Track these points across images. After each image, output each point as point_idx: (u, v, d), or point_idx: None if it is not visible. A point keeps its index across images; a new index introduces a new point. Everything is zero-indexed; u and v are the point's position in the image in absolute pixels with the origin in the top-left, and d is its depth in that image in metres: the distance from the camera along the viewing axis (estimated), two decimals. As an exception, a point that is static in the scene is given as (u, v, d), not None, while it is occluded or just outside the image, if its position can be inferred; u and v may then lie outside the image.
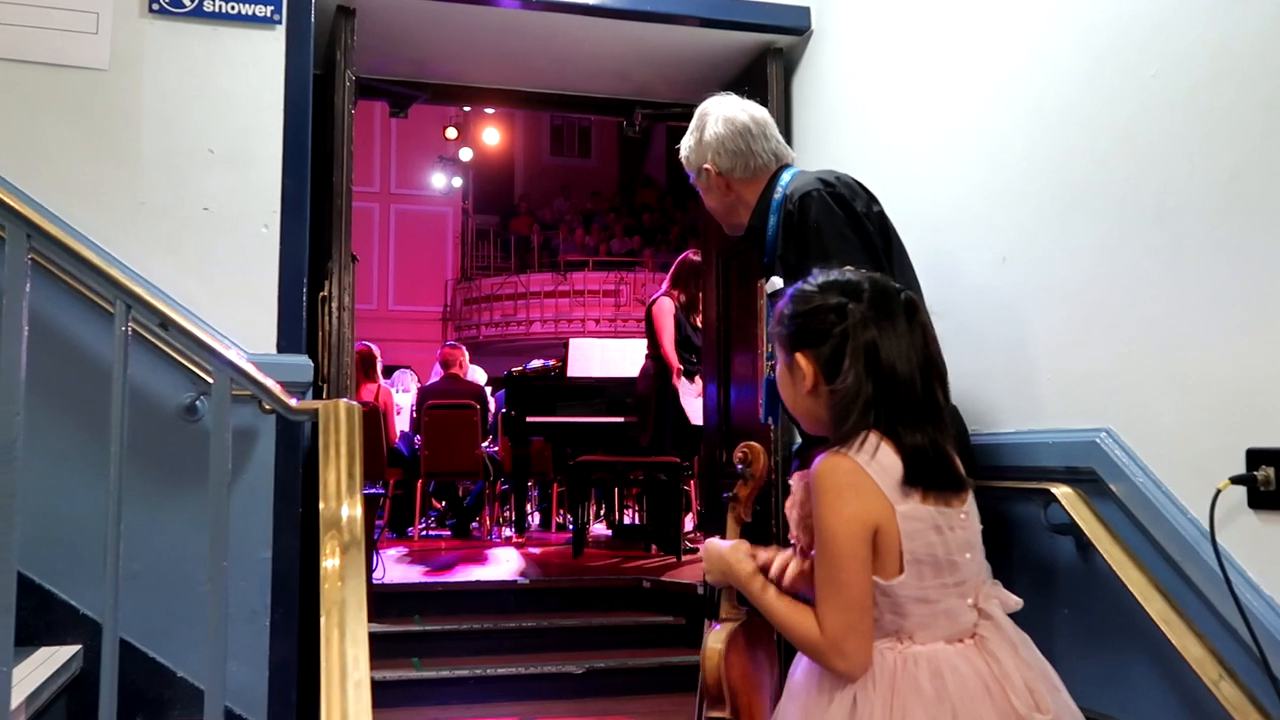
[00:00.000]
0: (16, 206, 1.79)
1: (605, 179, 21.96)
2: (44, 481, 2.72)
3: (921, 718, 1.50)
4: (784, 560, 1.67)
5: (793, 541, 1.69)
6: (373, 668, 4.24)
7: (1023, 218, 2.51)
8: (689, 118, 4.18)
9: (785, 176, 2.47)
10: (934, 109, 2.89)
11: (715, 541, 1.81)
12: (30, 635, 2.75)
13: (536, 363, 8.89)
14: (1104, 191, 2.26)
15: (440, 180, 18.85)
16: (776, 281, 2.40)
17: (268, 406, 2.55)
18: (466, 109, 15.29)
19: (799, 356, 1.65)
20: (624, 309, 17.59)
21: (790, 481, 1.72)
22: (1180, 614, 1.90)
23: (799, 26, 3.52)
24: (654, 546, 6.72)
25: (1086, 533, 2.09)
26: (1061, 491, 2.15)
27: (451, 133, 16.19)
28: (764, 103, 3.55)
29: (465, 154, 17.03)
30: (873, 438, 1.57)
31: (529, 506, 8.53)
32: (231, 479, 2.88)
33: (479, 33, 3.61)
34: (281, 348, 2.93)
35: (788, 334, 1.68)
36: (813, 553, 1.60)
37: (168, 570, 2.82)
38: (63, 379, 2.74)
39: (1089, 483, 2.15)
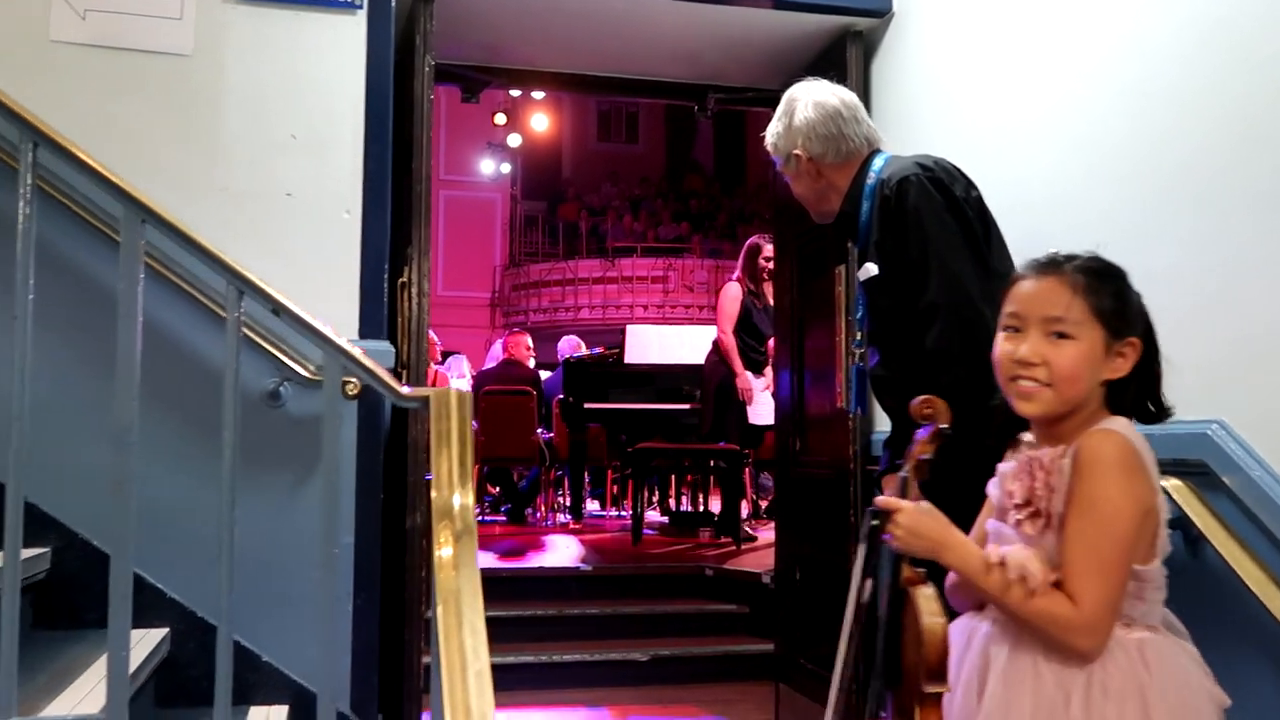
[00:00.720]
0: (132, 191, 1.80)
1: (653, 165, 21.90)
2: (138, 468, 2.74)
3: (1174, 700, 1.52)
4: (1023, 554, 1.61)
5: (1018, 517, 1.64)
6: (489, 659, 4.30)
7: (1121, 201, 2.45)
8: (762, 102, 4.17)
9: (878, 162, 2.42)
10: (1024, 90, 2.82)
11: (916, 512, 1.66)
12: (119, 617, 2.78)
13: (563, 344, 8.88)
14: (1208, 174, 2.20)
15: (489, 166, 18.90)
16: (871, 268, 2.36)
17: (353, 390, 2.55)
18: (515, 94, 15.27)
19: (1136, 341, 1.65)
20: (672, 295, 17.56)
21: (1029, 455, 1.64)
22: (1304, 611, 1.85)
23: (880, 8, 3.46)
24: (716, 534, 6.72)
25: (1199, 526, 2.03)
26: (1171, 484, 2.09)
27: (500, 119, 16.20)
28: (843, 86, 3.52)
29: (514, 140, 17.04)
30: (1129, 421, 1.62)
31: (584, 492, 8.54)
32: (313, 464, 2.91)
33: (553, 17, 3.58)
34: (364, 333, 2.93)
35: (1128, 316, 1.66)
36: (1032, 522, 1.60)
37: (252, 555, 2.82)
38: (152, 365, 2.75)
39: (1199, 475, 2.09)
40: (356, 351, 1.95)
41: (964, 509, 1.75)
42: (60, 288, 2.68)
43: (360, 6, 3.02)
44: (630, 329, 7.86)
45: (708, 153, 21.72)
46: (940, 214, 2.23)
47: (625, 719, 4.24)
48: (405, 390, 1.98)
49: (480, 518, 7.95)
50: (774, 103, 4.06)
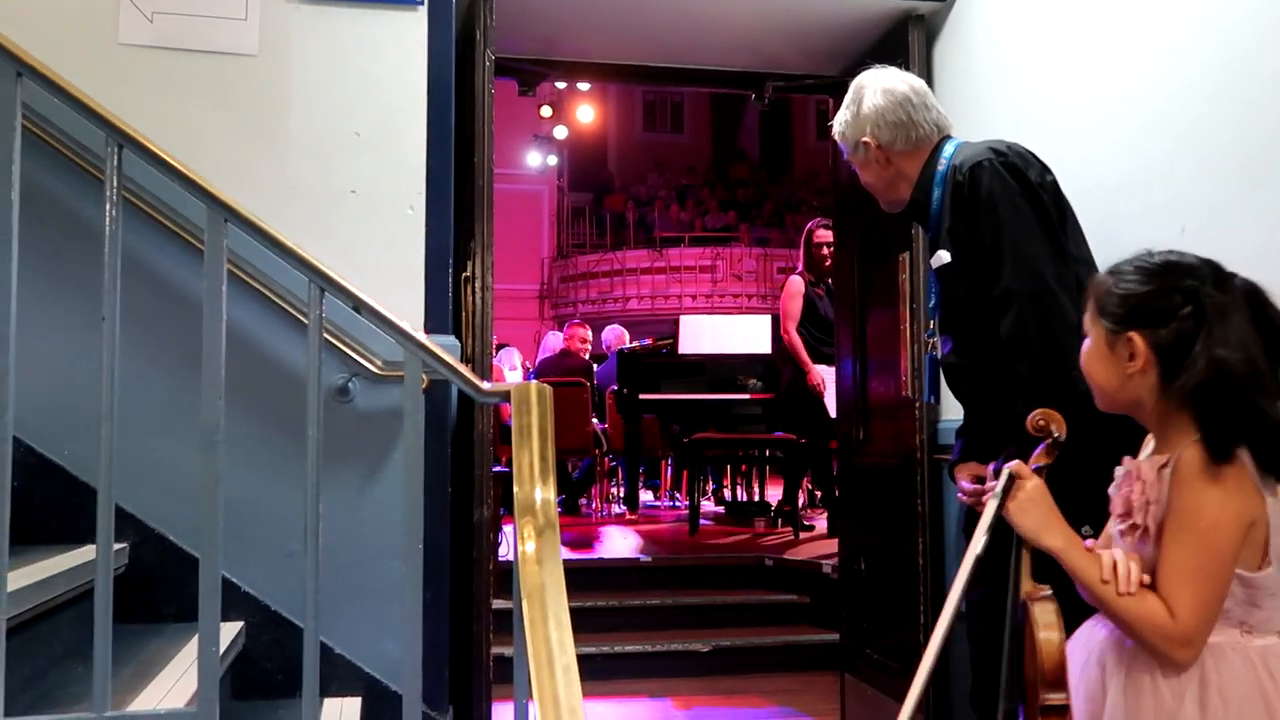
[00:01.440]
0: (215, 191, 1.82)
1: (699, 154, 21.84)
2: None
3: None
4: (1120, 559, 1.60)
5: (1120, 528, 1.65)
6: (498, 644, 4.30)
7: (1202, 183, 2.39)
8: (822, 90, 4.15)
9: (948, 148, 2.39)
10: (1095, 70, 2.77)
11: (1043, 489, 1.69)
12: (195, 611, 2.81)
13: (608, 334, 8.86)
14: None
15: (535, 159, 18.93)
16: (943, 255, 2.34)
17: (474, 396, 2.55)
18: (561, 85, 15.27)
19: (1134, 336, 1.61)
20: (720, 284, 17.52)
21: (1129, 465, 1.66)
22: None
23: (943, -9, 3.42)
24: (773, 523, 6.69)
25: None
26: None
27: (546, 111, 16.21)
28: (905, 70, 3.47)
29: (560, 132, 17.05)
30: None
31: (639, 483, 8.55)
32: (382, 459, 2.94)
33: (610, 9, 3.57)
34: (429, 328, 2.94)
35: (1122, 311, 1.63)
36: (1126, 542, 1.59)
37: (325, 550, 2.85)
38: (234, 366, 2.78)
39: None
40: (436, 347, 1.96)
41: (1079, 508, 1.75)
42: (136, 289, 2.72)
43: (421, 3, 3.02)
44: (684, 319, 7.85)
45: (753, 141, 21.63)
46: (1014, 199, 2.20)
47: (689, 709, 4.24)
48: (486, 385, 1.98)
49: (535, 509, 7.99)
50: (834, 90, 4.06)
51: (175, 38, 2.92)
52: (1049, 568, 1.70)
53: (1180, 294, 1.58)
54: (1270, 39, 2.21)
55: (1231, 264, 2.26)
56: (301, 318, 2.75)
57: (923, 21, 3.50)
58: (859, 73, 3.76)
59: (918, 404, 3.30)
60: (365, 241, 2.96)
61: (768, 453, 7.14)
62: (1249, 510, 1.53)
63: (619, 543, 6.20)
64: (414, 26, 3.03)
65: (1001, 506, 1.70)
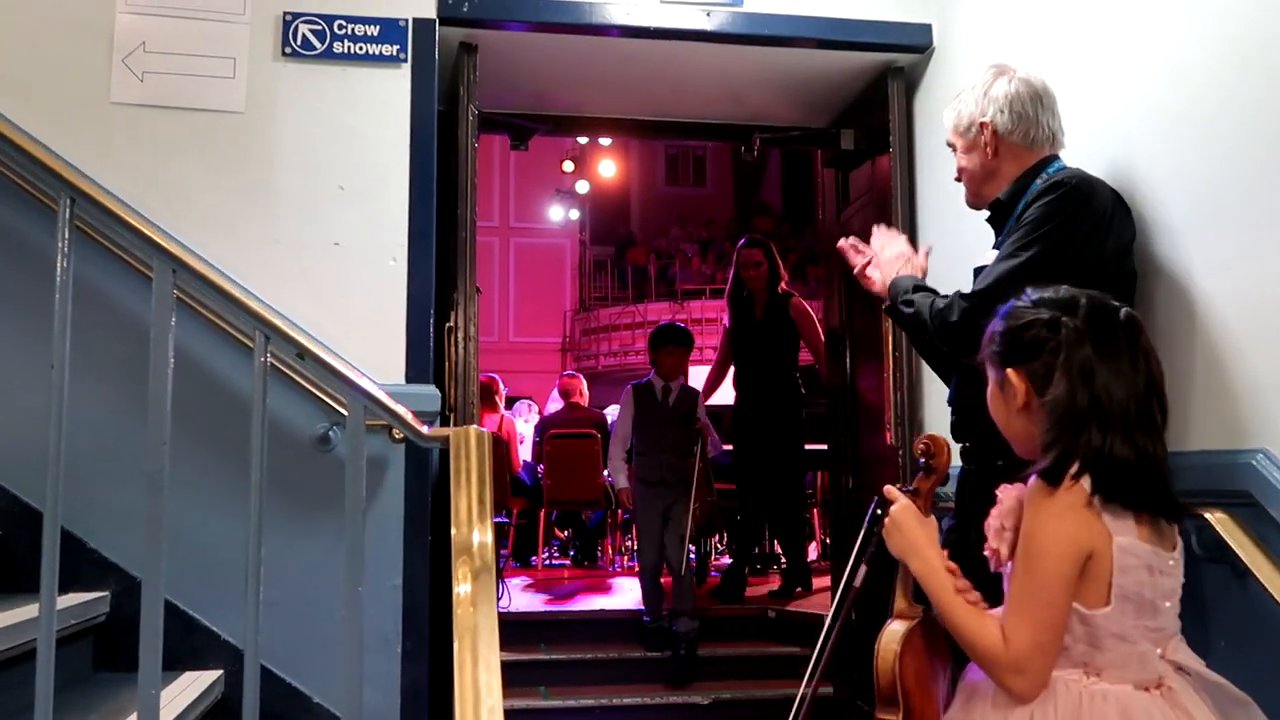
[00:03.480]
0: (163, 243, 1.86)
1: (721, 207, 21.95)
2: (187, 510, 2.81)
3: None
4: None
5: (986, 554, 1.66)
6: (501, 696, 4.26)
7: (1166, 224, 2.40)
8: (808, 141, 4.19)
9: (1054, 166, 2.36)
10: (1071, 120, 2.79)
11: (910, 510, 1.73)
12: (174, 660, 2.83)
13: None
14: (1252, 201, 2.15)
15: (558, 213, 19.10)
16: (991, 257, 2.34)
17: (399, 434, 2.60)
18: (583, 141, 15.46)
19: (1010, 373, 1.64)
20: (742, 336, 17.49)
21: (997, 492, 1.67)
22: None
23: (920, 44, 3.46)
24: (785, 580, 6.58)
25: (1244, 560, 1.97)
26: (1215, 517, 2.04)
27: (568, 166, 16.41)
28: (885, 122, 3.51)
29: (582, 186, 17.22)
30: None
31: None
32: (366, 508, 2.97)
33: (596, 63, 3.64)
34: (410, 378, 2.98)
35: (999, 350, 1.67)
36: (1007, 566, 1.60)
37: (304, 598, 2.87)
38: (204, 410, 2.83)
39: (1245, 507, 2.03)
40: (379, 393, 1.99)
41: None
42: (122, 341, 2.78)
43: (405, 60, 3.11)
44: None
45: (775, 193, 21.71)
46: (1057, 218, 2.19)
47: (685, 763, 4.20)
48: (426, 430, 2.01)
49: (548, 561, 7.98)
50: (820, 141, 4.10)
51: (165, 96, 3.01)
52: None
53: (1045, 327, 1.60)
54: (1232, 89, 2.22)
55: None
56: (285, 369, 2.80)
57: (902, 73, 3.54)
58: (843, 124, 3.83)
59: (901, 451, 3.30)
60: (348, 293, 3.01)
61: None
62: (1083, 539, 1.50)
63: (624, 594, 6.16)
64: (398, 83, 3.11)
65: (875, 531, 1.75)
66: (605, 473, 7.48)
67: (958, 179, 2.50)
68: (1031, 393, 1.60)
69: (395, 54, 3.10)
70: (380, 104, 3.10)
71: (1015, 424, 1.66)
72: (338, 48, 3.08)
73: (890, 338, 3.39)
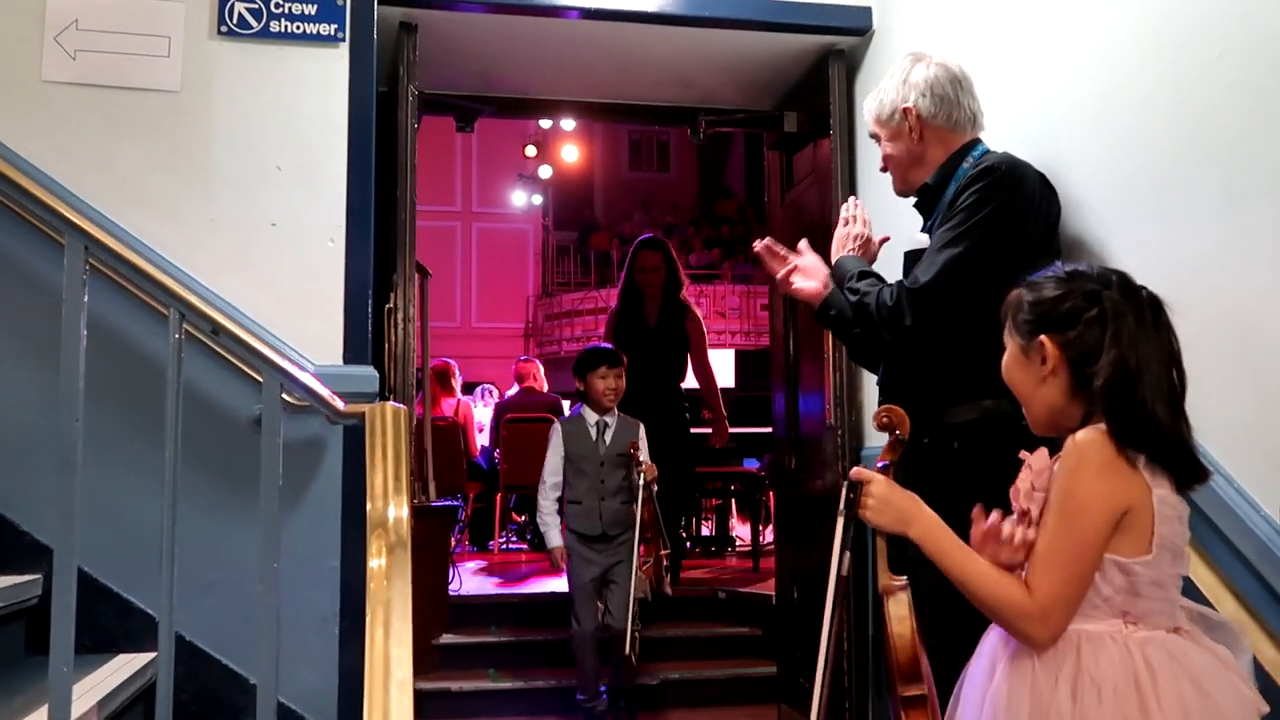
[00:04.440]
0: (73, 218, 1.85)
1: (685, 192, 21.96)
2: (126, 494, 2.81)
3: (1174, 699, 1.50)
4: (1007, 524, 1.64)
5: (1014, 514, 1.67)
6: (449, 678, 4.26)
7: (1091, 205, 2.44)
8: (753, 123, 4.21)
9: (978, 149, 2.40)
10: (1008, 105, 2.82)
11: (889, 483, 1.71)
12: (109, 642, 2.82)
13: None
14: (1168, 183, 2.20)
15: (520, 198, 19.04)
16: (921, 239, 2.36)
17: (333, 419, 2.60)
18: (546, 125, 15.41)
19: (1045, 340, 1.65)
20: (705, 321, 17.53)
21: (1025, 454, 1.68)
22: (1255, 616, 1.83)
23: (860, 27, 3.48)
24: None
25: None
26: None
27: (531, 151, 16.34)
28: (826, 104, 3.54)
29: (545, 171, 17.16)
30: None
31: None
32: (301, 489, 2.95)
33: (541, 44, 3.63)
34: (348, 359, 2.97)
35: (1030, 319, 1.68)
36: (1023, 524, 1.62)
37: (242, 580, 2.86)
38: (143, 394, 2.81)
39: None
40: (296, 371, 1.99)
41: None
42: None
43: (342, 40, 3.09)
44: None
45: (739, 178, 21.75)
46: (991, 204, 2.22)
47: (632, 743, 4.23)
48: (341, 406, 2.01)
49: (505, 545, 7.98)
50: (765, 123, 4.12)
51: (99, 75, 2.98)
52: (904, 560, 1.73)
53: (1084, 297, 1.64)
54: (1153, 72, 2.26)
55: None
56: (223, 353, 2.78)
57: (843, 56, 3.56)
58: (786, 106, 3.84)
59: (840, 431, 3.33)
60: (286, 274, 3.00)
61: (732, 486, 7.14)
62: (1123, 496, 1.55)
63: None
64: (336, 63, 3.09)
65: (852, 516, 1.72)
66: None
67: (884, 169, 2.53)
68: (1063, 360, 1.64)
69: (333, 33, 3.08)
70: (318, 84, 3.08)
71: (1040, 392, 1.68)
72: (274, 26, 3.05)
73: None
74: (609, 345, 4.58)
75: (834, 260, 2.53)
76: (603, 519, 4.11)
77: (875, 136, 2.51)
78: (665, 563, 4.14)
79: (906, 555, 1.73)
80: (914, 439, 2.26)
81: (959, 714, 1.69)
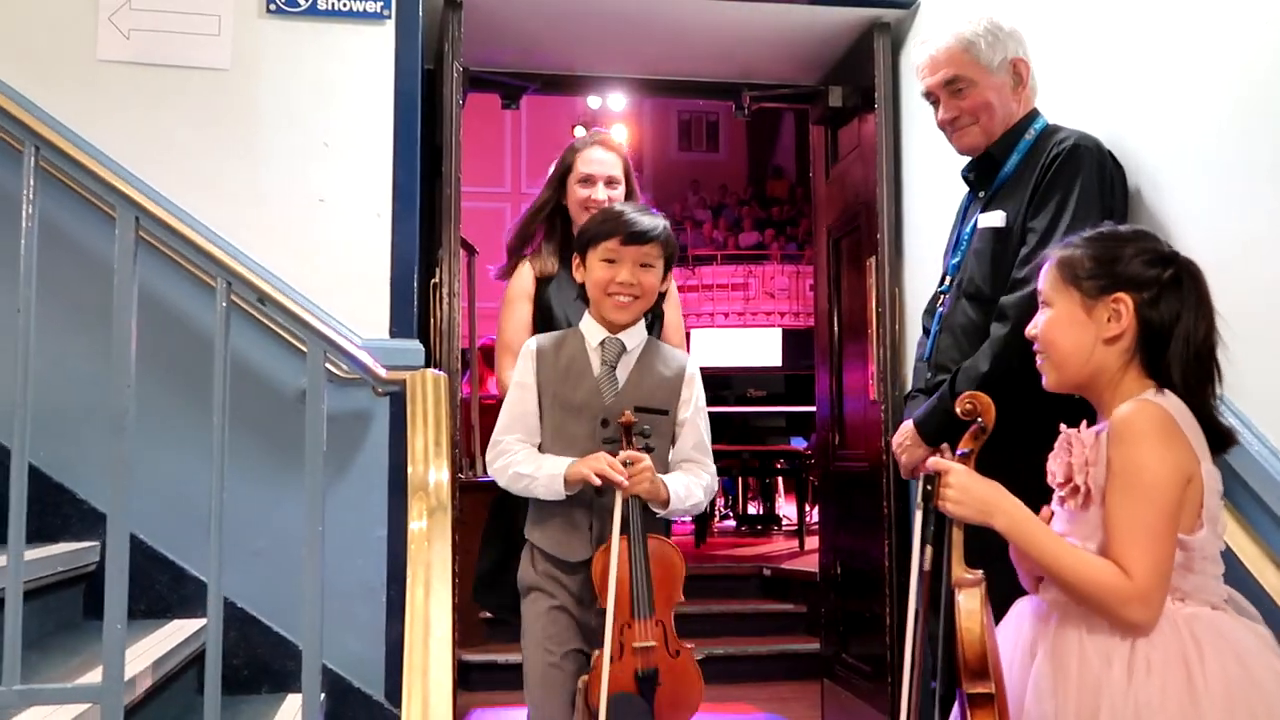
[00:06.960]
0: (124, 188, 1.90)
1: (734, 172, 21.87)
2: (180, 464, 2.87)
3: (1230, 678, 1.49)
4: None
5: (1058, 500, 1.65)
6: (495, 650, 4.31)
7: (1151, 176, 2.40)
8: (797, 99, 4.19)
9: (1039, 121, 2.36)
10: (1056, 77, 2.78)
11: (971, 473, 1.64)
12: (164, 608, 2.90)
13: None
14: (1234, 154, 2.15)
15: (570, 179, 19.06)
16: (997, 217, 2.28)
17: (381, 390, 2.64)
18: (595, 106, 15.41)
19: (1124, 298, 1.61)
20: (753, 302, 17.45)
21: (1066, 429, 1.64)
22: (1299, 588, 1.81)
23: (906, 0, 3.45)
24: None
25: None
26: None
27: (579, 132, 16.35)
28: (871, 79, 3.51)
29: (594, 152, 17.15)
30: (1169, 393, 1.58)
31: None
32: (348, 460, 3.00)
33: (585, 20, 3.64)
34: (394, 333, 3.00)
35: (1106, 271, 1.63)
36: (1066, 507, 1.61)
37: (290, 548, 2.92)
38: (201, 370, 2.86)
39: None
40: (341, 339, 2.03)
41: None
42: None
43: (388, 17, 3.12)
44: (693, 333, 7.89)
45: (789, 158, 21.61)
46: (1090, 190, 2.18)
47: (676, 716, 4.25)
48: (383, 374, 2.04)
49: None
50: (809, 99, 4.10)
51: (151, 54, 3.03)
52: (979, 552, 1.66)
53: (1159, 260, 1.61)
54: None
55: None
56: (275, 327, 2.84)
57: (888, 29, 3.53)
58: (831, 81, 3.82)
59: (883, 406, 3.32)
60: (333, 249, 3.04)
61: (779, 464, 7.15)
62: (1186, 466, 1.53)
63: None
64: (382, 40, 3.13)
65: (931, 508, 1.66)
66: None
67: (952, 121, 2.37)
68: (1134, 322, 1.60)
69: (379, 10, 3.11)
70: (364, 61, 3.11)
71: (1097, 354, 1.63)
72: (321, 4, 3.09)
73: (874, 292, 3.41)
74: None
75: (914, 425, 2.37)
76: (594, 531, 2.14)
77: (952, 81, 2.33)
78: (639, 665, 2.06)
79: (984, 547, 1.67)
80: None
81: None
